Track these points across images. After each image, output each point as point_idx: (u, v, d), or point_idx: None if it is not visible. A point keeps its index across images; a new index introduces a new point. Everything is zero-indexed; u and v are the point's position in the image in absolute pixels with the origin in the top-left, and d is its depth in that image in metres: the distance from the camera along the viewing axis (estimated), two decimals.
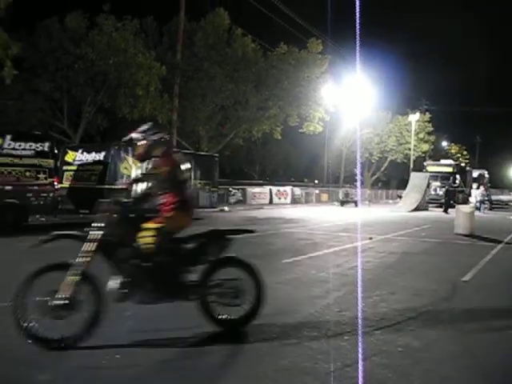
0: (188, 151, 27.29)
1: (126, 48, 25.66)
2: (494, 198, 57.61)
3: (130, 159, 19.90)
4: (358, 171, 55.30)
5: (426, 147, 59.56)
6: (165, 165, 5.62)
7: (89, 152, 20.08)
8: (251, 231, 6.74)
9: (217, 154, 28.51)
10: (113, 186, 19.18)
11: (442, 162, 48.81)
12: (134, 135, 5.84)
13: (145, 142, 5.74)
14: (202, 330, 5.77)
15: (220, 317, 5.68)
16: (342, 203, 39.79)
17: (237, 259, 5.97)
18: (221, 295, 5.63)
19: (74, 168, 20.08)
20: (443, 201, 35.82)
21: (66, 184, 19.76)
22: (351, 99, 40.75)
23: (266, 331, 5.85)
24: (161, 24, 32.36)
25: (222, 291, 5.63)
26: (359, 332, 5.84)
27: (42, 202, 16.90)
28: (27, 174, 16.46)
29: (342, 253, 12.58)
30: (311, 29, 35.75)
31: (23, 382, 4.37)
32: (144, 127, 5.90)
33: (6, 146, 15.83)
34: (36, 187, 16.73)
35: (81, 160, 20.13)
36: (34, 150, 16.65)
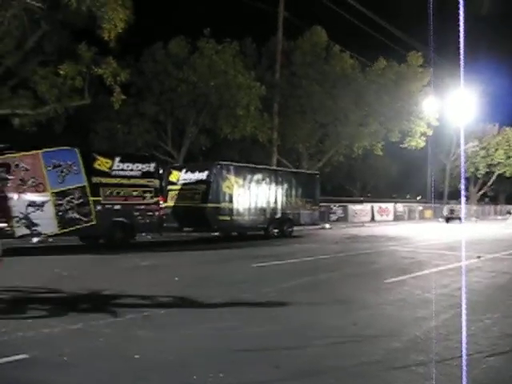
0: (288, 169, 27.37)
1: (226, 70, 26.31)
2: None
3: (233, 178, 20.25)
4: (462, 186, 53.27)
5: None
6: None
7: (192, 171, 20.65)
8: None
9: (318, 172, 28.42)
10: (216, 205, 19.56)
11: None
12: None
13: None
14: (305, 351, 5.74)
15: None
16: (447, 220, 38.46)
17: None
18: None
19: (178, 187, 20.71)
20: None
21: (170, 203, 20.40)
22: (455, 112, 39.40)
23: (370, 353, 5.70)
24: (259, 44, 32.88)
25: None
26: (469, 358, 5.56)
27: (148, 221, 17.53)
28: (134, 193, 17.16)
29: (448, 272, 12.08)
30: (411, 41, 35.00)
31: None
32: None
33: (115, 167, 16.60)
34: (143, 206, 17.39)
35: (184, 179, 20.72)
36: (140, 170, 17.34)
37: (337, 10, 30.04)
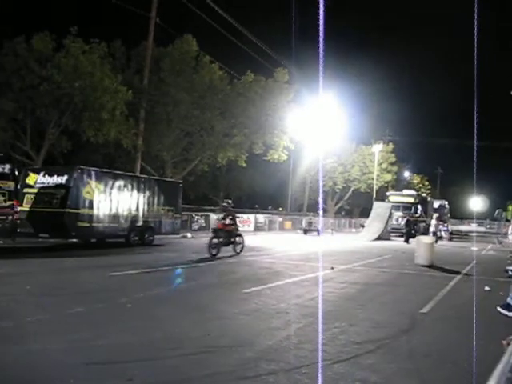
0: (151, 177, 26.96)
1: (92, 71, 25.49)
2: (453, 228, 58.75)
3: (93, 183, 19.67)
4: (320, 200, 55.67)
5: (388, 177, 60.40)
6: None
7: (51, 175, 19.74)
8: None
9: (181, 181, 28.39)
10: (75, 211, 18.87)
11: (404, 192, 49.60)
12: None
13: None
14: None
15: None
16: (305, 231, 39.93)
17: None
18: None
19: (35, 191, 19.69)
20: (405, 231, 36.26)
21: (26, 207, 19.33)
22: (316, 128, 41.24)
23: (223, 363, 5.79)
24: (129, 48, 32.28)
25: None
26: (317, 365, 5.83)
27: (0, 225, 16.53)
28: None
29: (303, 283, 12.59)
30: (278, 58, 36.23)
31: None
32: None
33: None
34: None
35: (42, 183, 19.77)
36: None
37: (209, 21, 30.35)
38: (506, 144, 65.20)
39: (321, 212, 52.06)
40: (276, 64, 36.01)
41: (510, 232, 34.46)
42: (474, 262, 20.36)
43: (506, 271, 13.72)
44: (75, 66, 25.26)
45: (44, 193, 19.43)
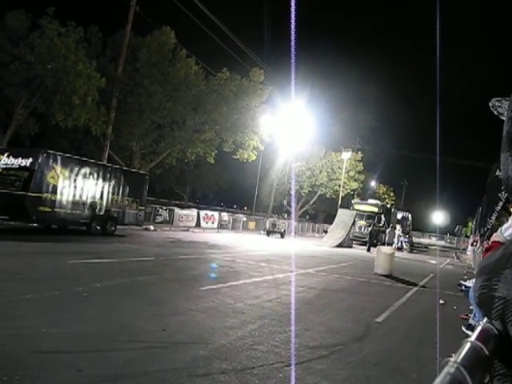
0: (118, 166, 26.60)
1: (66, 55, 25.11)
2: (415, 240, 59.67)
3: (59, 168, 19.38)
4: (292, 203, 55.88)
5: (355, 185, 60.91)
6: None
7: (16, 156, 19.36)
8: None
9: (147, 172, 28.17)
10: (37, 195, 18.55)
11: (369, 201, 50.12)
12: None
13: None
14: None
15: None
16: (269, 233, 39.96)
17: None
18: None
19: None
20: (367, 239, 36.65)
21: None
22: (287, 131, 41.41)
23: (176, 359, 5.77)
24: (106, 35, 31.93)
25: None
26: (269, 367, 5.86)
27: None
28: None
29: (262, 284, 12.61)
30: (255, 58, 36.26)
31: None
32: None
33: None
34: None
35: (6, 164, 19.38)
36: None
37: (189, 14, 30.25)
38: (467, 162, 66.59)
39: (293, 214, 52.40)
40: (252, 64, 36.10)
41: (468, 248, 35.18)
42: (432, 274, 20.73)
43: (460, 285, 14.04)
44: (49, 47, 24.84)
45: (7, 174, 19.04)
